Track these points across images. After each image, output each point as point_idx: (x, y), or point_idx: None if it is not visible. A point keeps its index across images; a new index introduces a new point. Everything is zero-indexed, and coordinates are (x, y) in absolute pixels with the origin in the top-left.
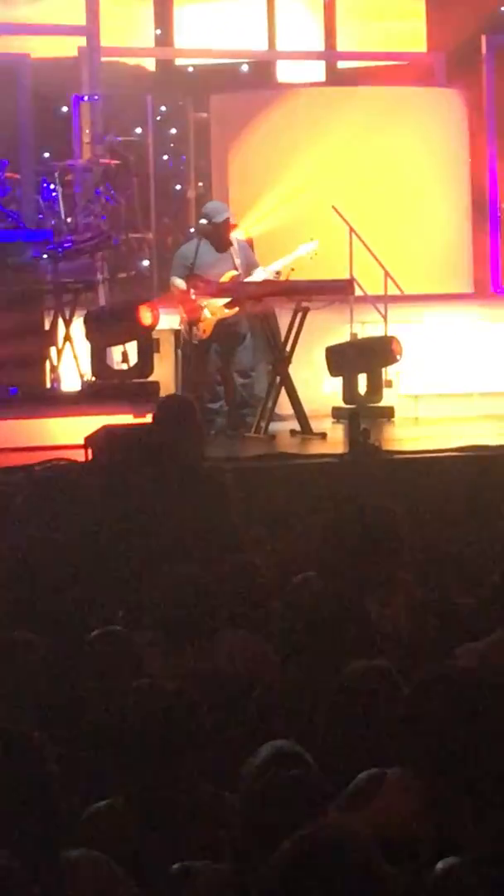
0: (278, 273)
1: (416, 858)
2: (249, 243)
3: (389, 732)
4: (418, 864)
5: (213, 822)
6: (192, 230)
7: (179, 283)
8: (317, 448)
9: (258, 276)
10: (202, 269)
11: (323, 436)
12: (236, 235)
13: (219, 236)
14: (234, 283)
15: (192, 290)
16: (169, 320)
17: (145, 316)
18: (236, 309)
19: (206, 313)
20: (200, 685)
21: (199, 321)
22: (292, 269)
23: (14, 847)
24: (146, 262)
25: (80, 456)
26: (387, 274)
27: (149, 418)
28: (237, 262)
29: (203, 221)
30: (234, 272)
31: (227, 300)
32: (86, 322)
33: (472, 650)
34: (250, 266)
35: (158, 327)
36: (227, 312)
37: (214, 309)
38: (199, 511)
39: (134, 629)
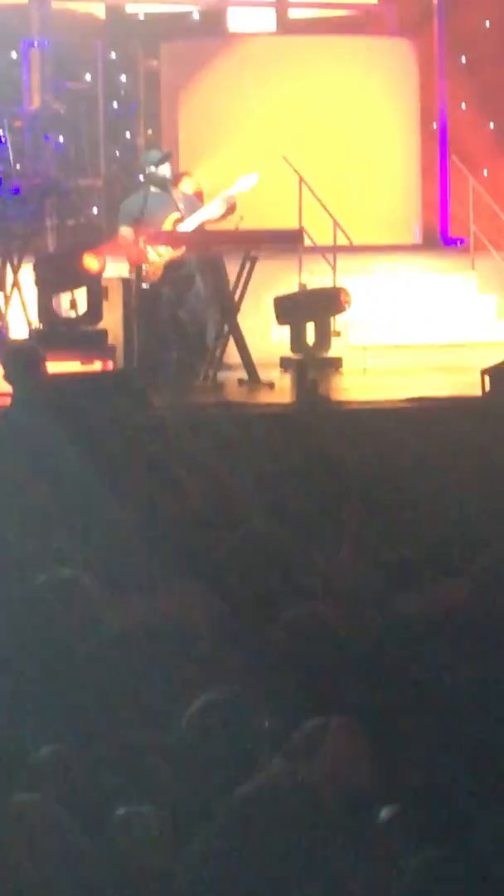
0: (229, 206)
1: (361, 806)
2: (199, 196)
3: (331, 679)
4: (363, 811)
5: (154, 768)
6: (140, 177)
7: (126, 231)
8: (265, 398)
9: (210, 209)
10: (149, 217)
11: (271, 385)
12: (184, 188)
13: (163, 181)
14: (183, 233)
15: (140, 239)
16: (118, 268)
17: (91, 262)
18: (182, 249)
19: (154, 256)
20: (144, 632)
21: (147, 263)
22: (241, 218)
23: None
24: (95, 209)
25: None
26: (336, 224)
27: (97, 366)
28: (180, 206)
29: (150, 169)
30: (177, 214)
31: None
32: (35, 268)
33: (415, 599)
34: (193, 209)
35: (107, 275)
36: (174, 254)
37: (161, 251)
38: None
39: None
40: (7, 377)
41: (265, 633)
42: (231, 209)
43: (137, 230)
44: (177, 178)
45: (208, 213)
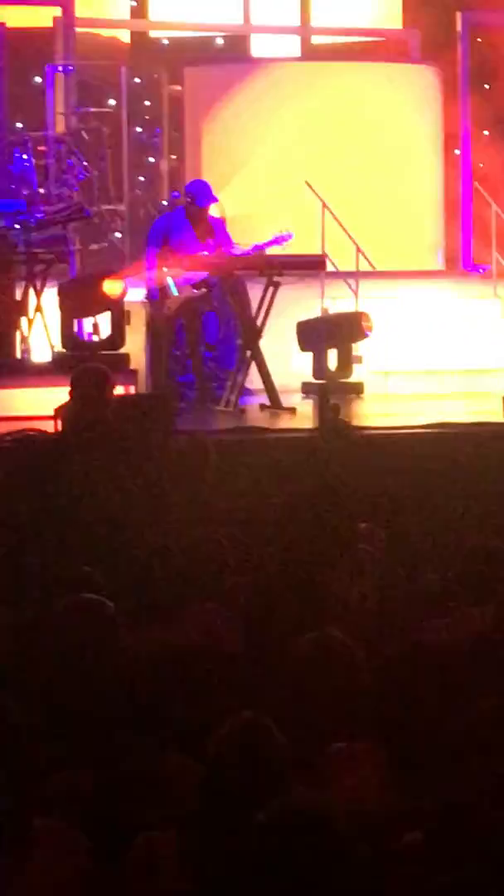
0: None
1: (383, 832)
2: (222, 221)
3: (353, 704)
4: (384, 837)
5: (177, 793)
6: (164, 203)
7: (153, 253)
8: (286, 423)
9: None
10: (177, 244)
11: (292, 411)
12: (211, 213)
13: (197, 215)
14: (206, 256)
15: (163, 264)
16: (140, 293)
17: (111, 288)
18: (203, 290)
19: (173, 289)
20: (167, 656)
21: (166, 295)
22: None
23: None
24: (118, 234)
25: (49, 427)
26: (358, 250)
27: (119, 390)
28: (210, 240)
29: (187, 200)
30: (204, 253)
31: (196, 279)
32: (59, 293)
33: (437, 626)
34: (223, 245)
35: (130, 300)
36: (195, 293)
37: (182, 288)
38: (168, 484)
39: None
40: (76, 397)
41: (286, 656)
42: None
43: (163, 253)
44: None
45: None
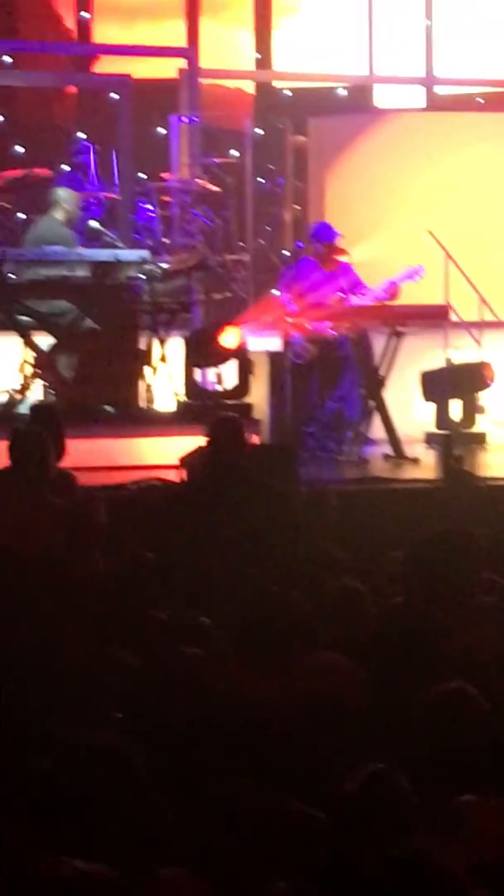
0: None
1: None
2: (351, 265)
3: (480, 756)
4: None
5: (302, 842)
6: (286, 252)
7: (281, 298)
8: (410, 473)
9: (375, 293)
10: (307, 289)
11: (415, 461)
12: (341, 258)
13: (324, 257)
14: (331, 305)
15: (290, 309)
16: (263, 343)
17: (227, 338)
18: (332, 341)
19: (302, 339)
20: (291, 704)
21: (306, 343)
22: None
23: (109, 860)
24: (242, 284)
25: (173, 476)
26: (482, 300)
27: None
28: (343, 284)
29: (314, 242)
30: (340, 295)
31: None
32: (185, 343)
33: None
34: (355, 287)
35: (254, 349)
36: (326, 335)
37: (313, 335)
38: (292, 533)
39: (226, 647)
40: (215, 445)
41: (414, 707)
42: (393, 296)
43: (292, 300)
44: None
45: (372, 297)
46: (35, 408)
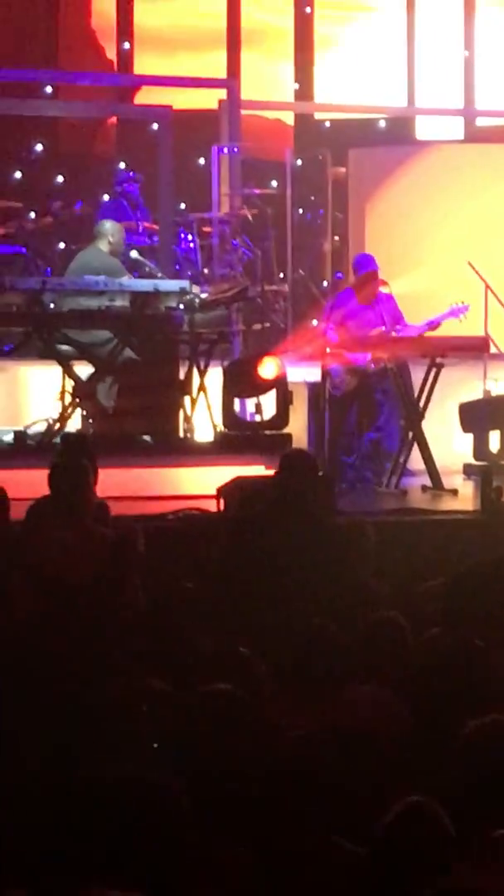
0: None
1: None
2: (392, 296)
3: None
4: None
5: (343, 876)
6: (325, 283)
7: (321, 329)
8: (448, 504)
9: (418, 329)
10: (349, 321)
11: (454, 492)
12: (382, 289)
13: (364, 288)
14: (370, 337)
15: (331, 340)
16: (302, 373)
17: (266, 369)
18: (374, 372)
19: (341, 370)
20: (330, 737)
21: (345, 374)
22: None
23: (147, 892)
24: (281, 315)
25: (212, 506)
26: None
27: None
28: (385, 316)
29: (355, 273)
30: (382, 328)
31: (362, 362)
32: (224, 374)
33: None
34: (395, 320)
35: (293, 380)
36: (366, 367)
37: (352, 366)
38: (332, 564)
39: (264, 678)
40: (283, 479)
41: (454, 740)
42: (434, 329)
43: (333, 331)
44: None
45: (415, 332)
46: (66, 436)
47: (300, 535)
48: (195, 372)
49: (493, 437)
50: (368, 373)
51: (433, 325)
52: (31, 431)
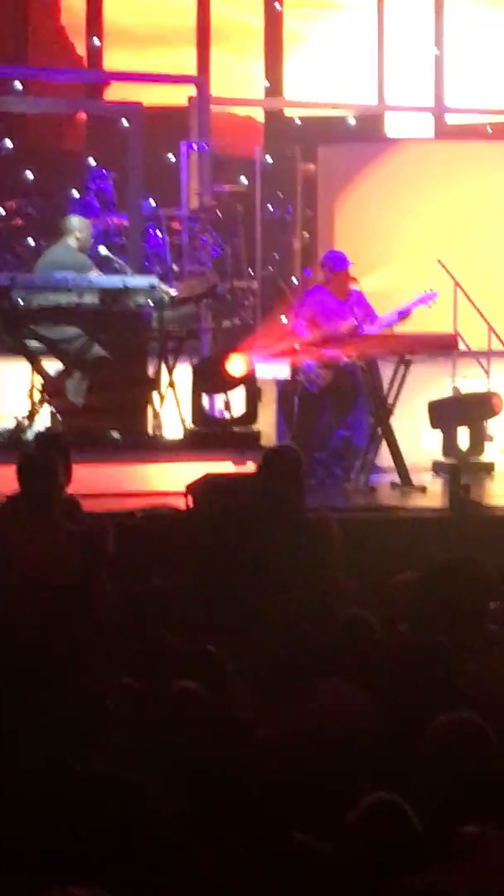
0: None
1: None
2: (362, 293)
3: (485, 786)
4: None
5: (311, 874)
6: (295, 280)
7: (292, 326)
8: (417, 501)
9: (389, 318)
10: (319, 317)
11: (422, 489)
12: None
13: (337, 285)
14: (339, 334)
15: (302, 336)
16: (271, 370)
17: (233, 366)
18: (344, 368)
19: (314, 365)
20: (298, 733)
21: (320, 370)
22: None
23: (115, 889)
24: (250, 311)
25: (181, 503)
26: (491, 329)
27: (249, 467)
28: (357, 312)
29: (326, 270)
30: (353, 321)
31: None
32: (193, 371)
33: None
34: (367, 315)
35: (262, 377)
36: (341, 362)
37: (327, 361)
38: (301, 561)
39: (231, 677)
40: (265, 477)
41: (420, 737)
42: (405, 319)
43: (304, 328)
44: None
45: (387, 321)
46: (41, 434)
47: (280, 533)
48: (164, 368)
49: (462, 434)
50: (343, 368)
51: (404, 313)
52: None
